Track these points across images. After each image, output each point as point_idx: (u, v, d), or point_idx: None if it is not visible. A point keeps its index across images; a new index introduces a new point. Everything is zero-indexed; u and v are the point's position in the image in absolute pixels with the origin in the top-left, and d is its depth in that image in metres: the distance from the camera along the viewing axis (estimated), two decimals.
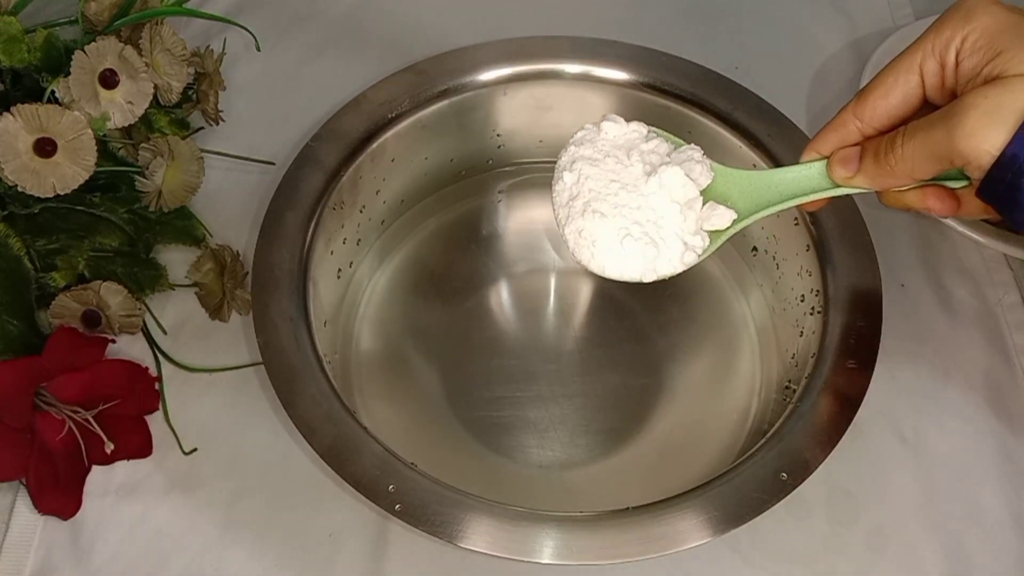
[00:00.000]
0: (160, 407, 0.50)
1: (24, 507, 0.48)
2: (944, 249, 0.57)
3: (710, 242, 0.40)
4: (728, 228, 0.40)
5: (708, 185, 0.40)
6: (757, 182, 0.39)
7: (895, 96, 0.34)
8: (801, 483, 0.41)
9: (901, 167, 0.34)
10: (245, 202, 0.58)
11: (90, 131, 0.47)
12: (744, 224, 0.40)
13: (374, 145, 0.52)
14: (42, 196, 0.47)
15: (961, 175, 0.34)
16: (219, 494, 0.48)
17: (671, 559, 0.39)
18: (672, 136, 0.42)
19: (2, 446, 0.46)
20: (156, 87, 0.51)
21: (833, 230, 0.49)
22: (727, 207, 0.39)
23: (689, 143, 0.42)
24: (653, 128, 0.42)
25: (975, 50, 0.32)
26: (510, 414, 0.51)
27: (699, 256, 0.40)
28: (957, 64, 0.33)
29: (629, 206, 0.39)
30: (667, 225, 0.39)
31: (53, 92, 0.48)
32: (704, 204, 0.40)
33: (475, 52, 0.55)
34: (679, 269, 0.40)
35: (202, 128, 0.59)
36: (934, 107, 0.34)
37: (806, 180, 0.38)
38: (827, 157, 0.37)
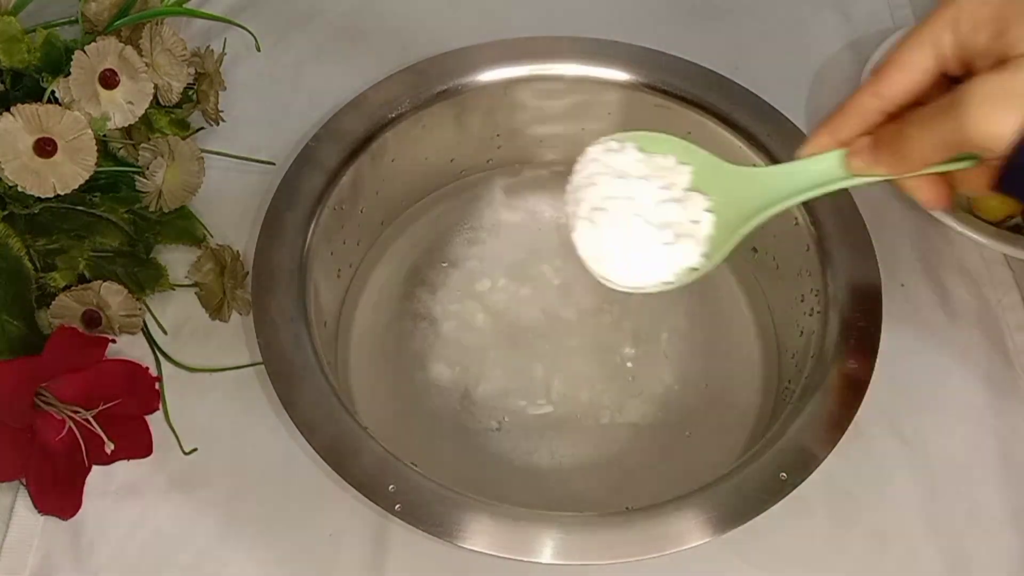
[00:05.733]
0: (160, 407, 0.50)
1: (24, 507, 0.48)
2: (944, 249, 0.57)
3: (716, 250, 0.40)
4: (743, 226, 0.39)
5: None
6: (766, 178, 0.39)
7: (914, 70, 0.33)
8: (801, 483, 0.41)
9: (915, 155, 0.33)
10: (245, 202, 0.58)
11: (90, 131, 0.47)
12: (757, 222, 0.39)
13: (374, 145, 0.52)
14: (42, 196, 0.47)
15: (968, 156, 0.33)
16: (219, 494, 0.48)
17: (671, 559, 0.39)
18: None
19: (2, 446, 0.46)
20: (156, 87, 0.51)
21: (833, 230, 0.49)
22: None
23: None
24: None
25: (984, 24, 0.31)
26: (510, 413, 0.51)
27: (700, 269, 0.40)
28: (970, 38, 0.32)
29: (640, 217, 0.39)
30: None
31: (53, 92, 0.48)
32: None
33: (475, 52, 0.55)
34: (678, 281, 0.40)
35: (202, 128, 0.59)
36: (953, 79, 0.33)
37: (823, 172, 0.37)
38: (844, 145, 0.36)
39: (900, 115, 0.34)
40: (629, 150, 0.41)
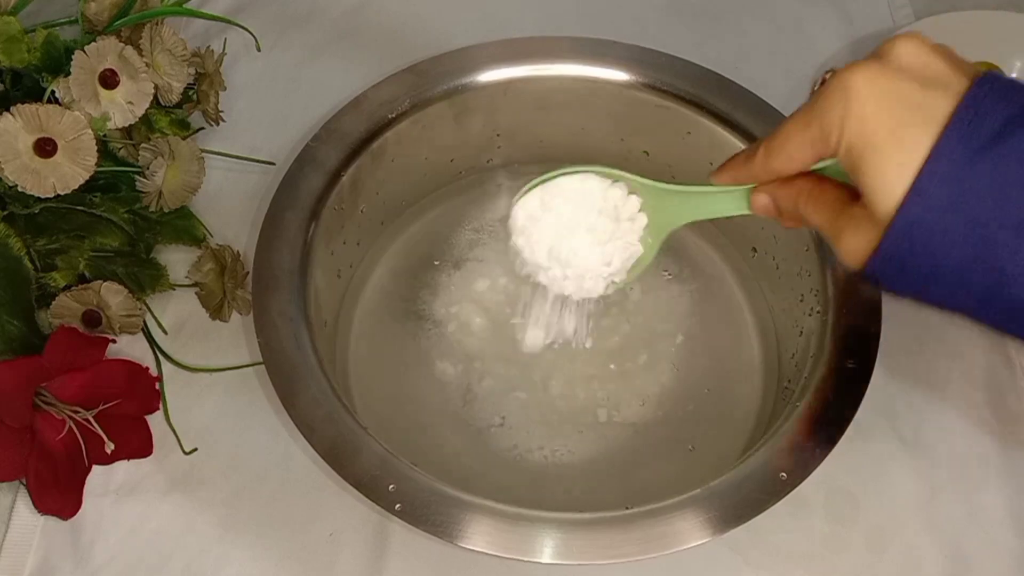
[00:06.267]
0: (160, 407, 0.50)
1: (24, 507, 0.48)
2: None
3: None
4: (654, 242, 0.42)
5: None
6: (682, 198, 0.41)
7: (797, 162, 0.36)
8: (801, 483, 0.41)
9: (813, 227, 0.37)
10: (245, 202, 0.58)
11: (90, 131, 0.47)
12: (667, 233, 0.42)
13: (374, 145, 0.52)
14: (42, 196, 0.47)
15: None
16: (219, 494, 0.48)
17: (671, 559, 0.39)
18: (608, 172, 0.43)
19: (2, 446, 0.46)
20: (156, 87, 0.51)
21: None
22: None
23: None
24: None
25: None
26: (510, 414, 0.51)
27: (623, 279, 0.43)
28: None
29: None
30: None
31: (53, 92, 0.48)
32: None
33: (475, 52, 0.55)
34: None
35: (202, 128, 0.59)
36: None
37: (728, 202, 0.39)
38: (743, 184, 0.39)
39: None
40: (548, 203, 0.42)
